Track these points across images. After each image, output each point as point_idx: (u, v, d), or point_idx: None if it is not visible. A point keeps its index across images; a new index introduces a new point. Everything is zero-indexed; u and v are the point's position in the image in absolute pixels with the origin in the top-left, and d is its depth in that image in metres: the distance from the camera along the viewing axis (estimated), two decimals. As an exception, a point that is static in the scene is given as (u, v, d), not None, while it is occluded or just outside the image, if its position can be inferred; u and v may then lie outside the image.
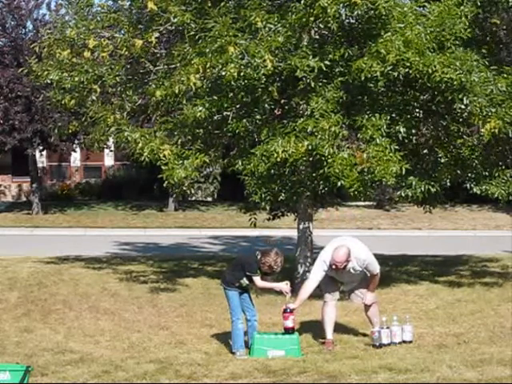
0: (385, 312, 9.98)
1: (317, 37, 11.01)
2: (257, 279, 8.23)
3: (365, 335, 8.72)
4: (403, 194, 11.10)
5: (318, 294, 11.72)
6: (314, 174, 10.74)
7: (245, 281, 8.26)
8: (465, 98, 10.31)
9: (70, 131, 13.19)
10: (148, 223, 25.64)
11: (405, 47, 9.87)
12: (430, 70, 9.84)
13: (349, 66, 10.27)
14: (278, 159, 9.80)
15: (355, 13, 10.16)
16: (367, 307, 8.70)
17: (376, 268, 8.54)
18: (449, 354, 7.97)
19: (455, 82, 9.96)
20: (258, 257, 8.22)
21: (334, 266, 8.27)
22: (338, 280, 8.66)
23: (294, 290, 11.68)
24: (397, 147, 10.08)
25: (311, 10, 9.95)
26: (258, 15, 10.09)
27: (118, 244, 19.21)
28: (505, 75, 10.82)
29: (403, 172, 10.04)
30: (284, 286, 8.43)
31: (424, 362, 7.67)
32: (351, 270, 8.42)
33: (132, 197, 30.97)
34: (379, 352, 8.10)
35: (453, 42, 10.21)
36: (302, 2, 10.12)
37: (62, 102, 11.75)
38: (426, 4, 10.74)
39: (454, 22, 10.18)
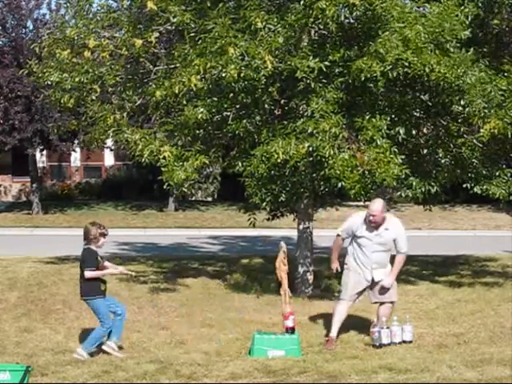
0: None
1: (316, 37, 11.01)
2: (86, 272, 7.97)
3: (365, 335, 8.71)
4: (403, 195, 11.10)
5: (318, 294, 11.78)
6: (314, 175, 10.74)
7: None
8: (462, 100, 10.32)
9: (69, 130, 13.19)
10: (148, 223, 25.65)
11: (403, 47, 9.87)
12: (428, 69, 9.84)
13: (349, 66, 10.27)
14: (279, 160, 9.79)
15: (354, 14, 10.15)
16: (381, 304, 8.71)
17: (404, 245, 8.60)
18: (449, 354, 7.97)
19: (451, 82, 9.95)
20: (87, 246, 8.07)
21: (370, 218, 8.37)
22: (363, 282, 8.55)
23: (294, 290, 11.74)
24: (396, 149, 10.06)
25: (310, 11, 9.95)
26: (258, 16, 10.09)
27: (118, 244, 19.18)
28: (505, 74, 10.81)
29: (403, 175, 10.03)
30: (115, 270, 8.49)
31: (424, 362, 7.67)
32: (382, 237, 8.43)
33: (132, 197, 30.98)
34: (379, 352, 8.11)
35: (452, 44, 10.19)
36: (302, 2, 10.12)
37: (62, 102, 11.75)
38: (426, 4, 10.74)
39: (453, 22, 10.17)
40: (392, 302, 8.73)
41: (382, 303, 8.69)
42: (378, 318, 8.73)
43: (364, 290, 8.66)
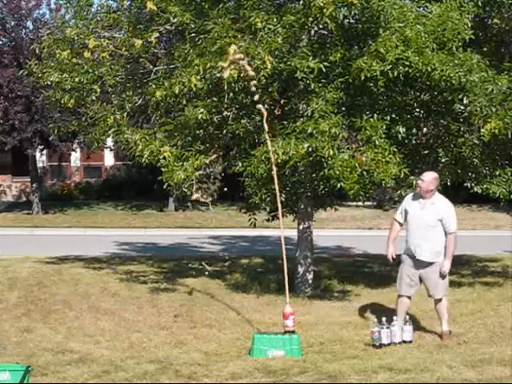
0: (385, 312, 9.99)
1: (316, 38, 11.00)
2: None
3: (365, 335, 8.71)
4: (404, 194, 11.09)
5: (318, 294, 11.77)
6: (313, 175, 10.74)
7: None
8: (465, 98, 10.31)
9: (69, 130, 13.18)
10: (148, 223, 25.65)
11: (404, 46, 9.87)
12: (430, 69, 9.83)
13: (349, 66, 10.26)
14: (279, 161, 9.78)
15: (352, 12, 10.15)
16: (436, 301, 8.89)
17: (453, 225, 8.73)
18: (449, 354, 7.97)
19: (454, 81, 9.95)
20: None
21: (418, 181, 8.86)
22: (415, 271, 8.80)
23: (294, 290, 11.75)
24: (396, 149, 10.06)
25: (309, 11, 9.94)
26: (258, 16, 10.09)
27: (118, 244, 19.21)
28: (506, 72, 10.80)
29: (402, 175, 10.03)
30: None
31: (424, 362, 7.67)
32: (427, 211, 8.65)
33: (132, 197, 31.01)
34: (379, 352, 8.11)
35: (455, 44, 10.19)
36: (301, 2, 10.11)
37: (62, 102, 11.75)
38: (426, 4, 10.73)
39: (455, 22, 10.17)
40: (439, 300, 8.87)
41: (434, 301, 8.94)
42: (438, 316, 8.93)
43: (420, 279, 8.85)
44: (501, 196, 11.31)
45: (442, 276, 8.76)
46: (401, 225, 9.05)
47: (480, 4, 11.01)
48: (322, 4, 9.60)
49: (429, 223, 8.68)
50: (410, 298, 8.95)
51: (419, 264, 8.78)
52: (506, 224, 25.59)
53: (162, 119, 11.74)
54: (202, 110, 10.37)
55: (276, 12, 10.63)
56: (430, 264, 8.74)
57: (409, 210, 8.86)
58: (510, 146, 11.84)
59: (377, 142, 9.89)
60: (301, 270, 11.97)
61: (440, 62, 9.84)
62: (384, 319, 8.56)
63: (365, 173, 9.84)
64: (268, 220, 12.73)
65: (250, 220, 12.19)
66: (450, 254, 8.73)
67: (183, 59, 10.45)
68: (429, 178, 8.74)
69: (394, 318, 8.58)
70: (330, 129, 9.78)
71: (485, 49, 11.53)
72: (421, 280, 8.89)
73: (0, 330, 9.20)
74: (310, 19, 10.02)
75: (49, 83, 11.76)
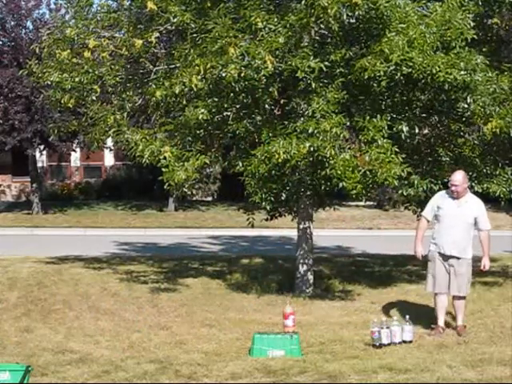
0: (385, 312, 10.01)
1: (317, 37, 11.00)
2: None
3: (365, 335, 8.71)
4: (405, 193, 11.09)
5: (318, 294, 11.77)
6: (314, 175, 10.74)
7: None
8: (468, 97, 10.31)
9: (69, 131, 13.18)
10: (148, 223, 25.66)
11: (408, 47, 9.86)
12: (434, 70, 9.83)
13: (350, 66, 10.26)
14: (280, 160, 9.78)
15: (356, 13, 10.14)
16: (457, 297, 9.01)
17: (487, 222, 8.93)
18: (449, 354, 7.97)
19: (459, 81, 9.95)
20: None
21: (452, 188, 8.82)
22: (448, 268, 8.90)
23: (294, 290, 11.75)
24: (398, 149, 10.05)
25: (312, 10, 9.94)
26: (258, 16, 10.08)
27: (118, 244, 19.22)
28: (506, 73, 10.81)
29: (405, 174, 10.04)
30: None
31: (424, 362, 7.67)
32: (462, 208, 8.76)
33: (132, 197, 31.02)
34: (379, 352, 8.11)
35: (459, 43, 10.18)
36: (303, 2, 10.11)
37: (62, 102, 11.74)
38: (428, 4, 10.72)
39: (459, 21, 10.16)
40: (463, 297, 9.02)
41: (453, 297, 9.06)
42: (455, 313, 9.10)
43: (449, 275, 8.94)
44: (501, 195, 11.33)
45: (469, 273, 8.96)
46: (428, 222, 9.14)
47: (480, 3, 11.00)
48: (326, 4, 9.60)
49: (468, 221, 8.86)
50: (447, 294, 9.05)
51: (450, 260, 8.91)
52: (505, 224, 25.60)
53: (162, 119, 11.74)
54: (202, 110, 10.37)
55: (277, 12, 10.63)
56: (459, 259, 8.89)
57: (443, 207, 8.93)
58: (510, 145, 11.85)
59: (379, 142, 9.89)
60: (301, 269, 11.97)
61: (445, 63, 9.83)
62: (384, 319, 8.57)
63: (368, 172, 9.84)
64: (266, 219, 12.73)
65: (248, 219, 12.16)
66: (488, 250, 8.97)
67: (184, 59, 10.45)
68: (460, 178, 8.84)
69: (394, 317, 8.58)
70: (332, 128, 9.78)
71: (484, 49, 11.52)
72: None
73: (0, 330, 9.20)
74: (312, 19, 10.01)
75: (49, 83, 11.75)
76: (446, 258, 8.94)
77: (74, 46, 11.58)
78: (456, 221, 8.85)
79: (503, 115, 10.29)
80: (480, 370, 7.35)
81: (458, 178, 8.86)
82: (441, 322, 9.01)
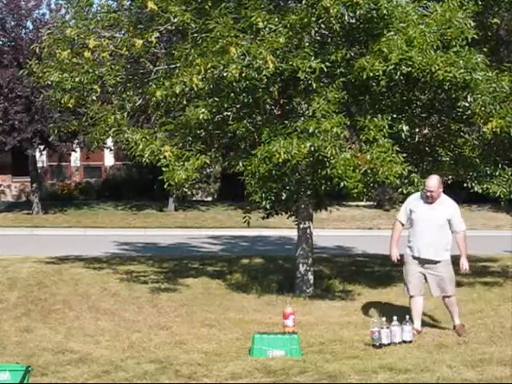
0: (385, 312, 10.00)
1: (317, 37, 10.99)
2: None
3: (365, 335, 8.71)
4: (405, 192, 11.08)
5: (318, 294, 11.77)
6: (315, 174, 10.73)
7: None
8: (469, 96, 10.30)
9: (69, 131, 13.18)
10: (148, 223, 25.65)
11: (407, 46, 9.86)
12: (433, 69, 9.83)
13: (350, 66, 10.26)
14: (280, 160, 9.78)
15: (357, 13, 10.14)
16: (445, 298, 9.02)
17: (462, 223, 9.02)
18: (449, 354, 7.97)
19: (459, 80, 9.95)
20: None
21: (427, 194, 8.77)
22: (423, 270, 8.91)
23: (294, 290, 11.75)
24: (398, 149, 10.06)
25: (313, 10, 9.94)
26: (259, 15, 10.07)
27: (118, 244, 19.21)
28: (506, 73, 10.80)
29: (405, 173, 10.05)
30: None
31: (424, 362, 7.67)
32: (436, 212, 8.76)
33: (132, 197, 31.00)
34: (379, 352, 8.10)
35: (459, 43, 10.18)
36: (304, 2, 10.11)
37: (62, 102, 11.74)
38: (428, 4, 10.71)
39: (459, 20, 10.16)
40: (450, 296, 9.02)
41: (443, 297, 9.06)
42: (449, 312, 9.10)
43: (425, 277, 8.94)
44: (501, 195, 11.33)
45: (450, 273, 8.93)
46: (403, 225, 9.09)
47: (480, 2, 10.99)
48: (328, 4, 9.59)
49: (440, 223, 8.82)
50: (422, 296, 9.06)
51: (425, 263, 8.88)
52: (506, 224, 25.60)
53: (163, 119, 11.74)
54: (203, 109, 10.37)
55: (277, 11, 10.62)
56: (437, 262, 8.86)
57: (416, 211, 8.89)
58: (510, 145, 11.85)
59: (380, 142, 9.89)
60: (301, 269, 11.97)
61: (444, 61, 9.83)
62: (384, 319, 8.56)
63: (369, 171, 9.84)
64: (263, 218, 12.69)
65: (244, 218, 12.07)
66: (465, 251, 8.95)
67: (184, 59, 10.44)
68: (435, 184, 8.78)
69: (394, 317, 8.57)
70: (332, 128, 9.78)
71: (485, 48, 11.52)
72: (425, 279, 8.99)
73: (0, 330, 9.20)
74: (313, 19, 10.01)
75: (49, 83, 11.75)
76: (421, 261, 8.90)
77: (74, 45, 11.57)
78: (429, 224, 8.80)
79: (503, 115, 10.29)
80: (480, 370, 7.35)
81: (434, 183, 8.78)
82: (417, 324, 8.93)
